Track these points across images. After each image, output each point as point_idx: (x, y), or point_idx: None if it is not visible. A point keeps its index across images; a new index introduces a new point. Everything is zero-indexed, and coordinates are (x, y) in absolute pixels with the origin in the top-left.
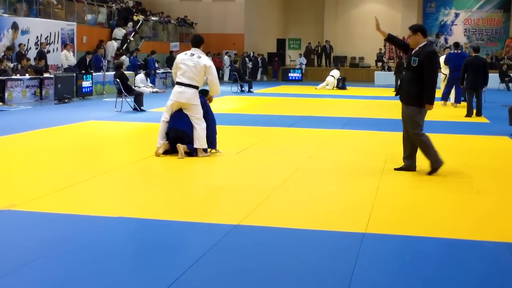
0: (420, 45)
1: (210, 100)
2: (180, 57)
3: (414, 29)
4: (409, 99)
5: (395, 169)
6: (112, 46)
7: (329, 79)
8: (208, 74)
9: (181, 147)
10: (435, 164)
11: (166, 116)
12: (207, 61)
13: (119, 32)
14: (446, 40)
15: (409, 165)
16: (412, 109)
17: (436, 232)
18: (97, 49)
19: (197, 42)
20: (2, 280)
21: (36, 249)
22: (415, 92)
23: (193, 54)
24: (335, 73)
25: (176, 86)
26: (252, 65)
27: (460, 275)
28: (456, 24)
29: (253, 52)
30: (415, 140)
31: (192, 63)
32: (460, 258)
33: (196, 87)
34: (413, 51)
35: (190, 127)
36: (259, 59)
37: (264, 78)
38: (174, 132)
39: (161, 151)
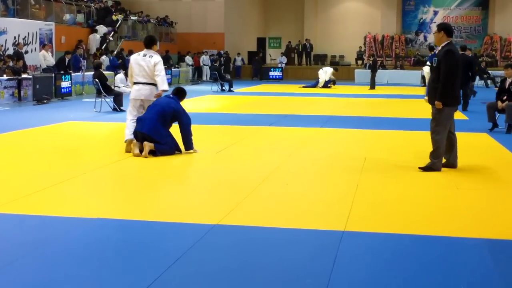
0: (443, 44)
1: (159, 95)
2: (133, 58)
3: (439, 27)
4: (432, 99)
5: (420, 168)
6: (95, 39)
7: (320, 73)
8: (155, 71)
9: (147, 146)
10: (433, 166)
11: (131, 118)
12: (156, 59)
13: (101, 29)
14: (425, 37)
15: (451, 161)
16: (435, 109)
17: (415, 229)
18: (76, 49)
19: (148, 42)
20: None
21: (13, 252)
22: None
23: (145, 55)
24: (329, 70)
25: (134, 85)
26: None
27: (440, 272)
28: (435, 22)
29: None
30: (431, 135)
31: (144, 63)
32: (440, 255)
33: (152, 84)
34: (437, 52)
35: (154, 131)
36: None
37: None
38: (140, 134)
39: (137, 151)
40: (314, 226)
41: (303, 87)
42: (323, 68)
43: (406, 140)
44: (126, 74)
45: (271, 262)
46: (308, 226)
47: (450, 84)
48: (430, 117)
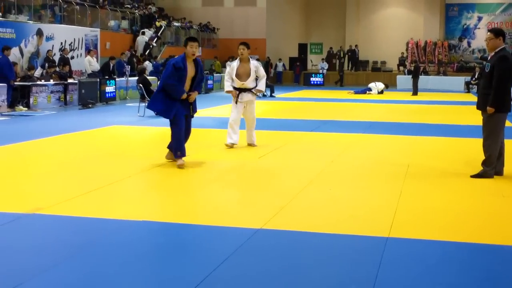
0: (496, 50)
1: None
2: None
3: (496, 32)
4: (483, 106)
5: (472, 176)
6: (143, 41)
7: (372, 85)
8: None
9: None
10: (485, 174)
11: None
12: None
13: (147, 32)
14: (469, 43)
15: (498, 169)
16: (486, 115)
17: (460, 236)
18: (121, 55)
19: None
20: (28, 283)
21: (61, 252)
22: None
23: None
24: (380, 85)
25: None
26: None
27: (484, 280)
28: (479, 28)
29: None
30: (483, 143)
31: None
32: (484, 263)
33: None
34: (489, 57)
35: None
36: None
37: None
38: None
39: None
40: (358, 232)
41: (354, 93)
42: (376, 83)
43: (449, 146)
44: None
45: (315, 267)
46: (352, 231)
47: (503, 89)
48: (475, 124)
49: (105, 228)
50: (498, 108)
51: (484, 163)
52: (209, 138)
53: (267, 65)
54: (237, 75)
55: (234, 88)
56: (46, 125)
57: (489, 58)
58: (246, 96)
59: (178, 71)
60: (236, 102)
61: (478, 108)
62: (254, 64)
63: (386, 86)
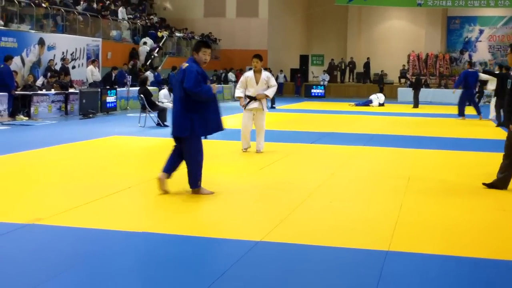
0: None
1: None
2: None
3: None
4: (509, 123)
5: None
6: (144, 51)
7: (373, 97)
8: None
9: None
10: (498, 184)
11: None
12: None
13: (149, 41)
14: (470, 56)
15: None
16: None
17: (460, 251)
18: (123, 65)
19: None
20: None
21: (61, 263)
22: None
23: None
24: (381, 97)
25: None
26: None
27: None
28: (480, 41)
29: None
30: (508, 160)
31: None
32: (484, 277)
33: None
34: (511, 73)
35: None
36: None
37: None
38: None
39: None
40: (358, 245)
41: (355, 105)
42: (377, 94)
43: (450, 159)
44: (170, 90)
45: (314, 280)
46: (352, 244)
47: None
48: (476, 137)
49: (105, 239)
50: None
51: (499, 173)
52: (210, 149)
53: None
54: (251, 86)
55: (248, 96)
56: (47, 134)
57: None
58: (254, 104)
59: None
60: (244, 107)
61: (506, 126)
62: (266, 75)
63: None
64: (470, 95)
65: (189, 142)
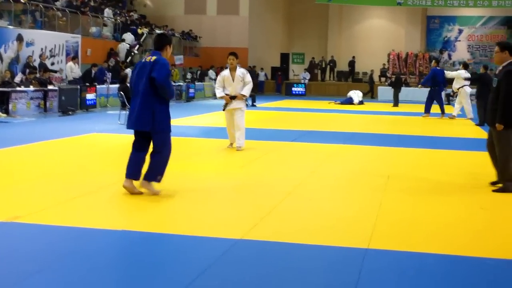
0: (504, 64)
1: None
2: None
3: (502, 46)
4: (492, 122)
5: (493, 191)
6: (124, 48)
7: (352, 94)
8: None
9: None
10: (506, 189)
11: None
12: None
13: (128, 37)
14: (449, 56)
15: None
16: (497, 132)
17: (438, 248)
18: (103, 63)
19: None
20: None
21: (39, 261)
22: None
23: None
24: (359, 93)
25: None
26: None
27: None
28: (459, 40)
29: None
30: (498, 159)
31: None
32: (463, 275)
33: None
34: (497, 71)
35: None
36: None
37: None
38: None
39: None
40: (337, 243)
41: (339, 103)
42: (355, 91)
43: (429, 158)
44: None
45: (294, 278)
46: (331, 242)
47: (510, 104)
48: (455, 136)
49: (83, 237)
50: (507, 124)
51: (503, 179)
52: (190, 147)
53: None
54: (228, 84)
55: (227, 95)
56: (25, 132)
57: (497, 72)
58: (234, 103)
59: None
60: (223, 109)
61: (488, 124)
62: (241, 71)
63: (364, 93)
64: (438, 92)
65: (160, 136)
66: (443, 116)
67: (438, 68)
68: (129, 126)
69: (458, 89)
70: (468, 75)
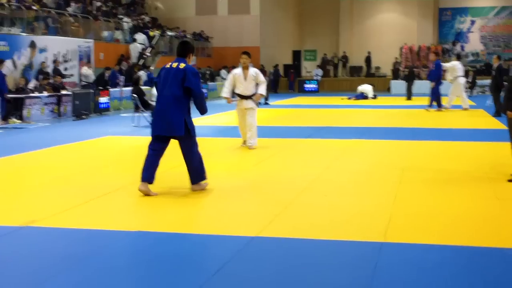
0: None
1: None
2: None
3: None
4: (506, 109)
5: (509, 180)
6: (136, 48)
7: (363, 89)
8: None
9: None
10: None
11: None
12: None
13: (139, 36)
14: (462, 47)
15: None
16: (509, 120)
17: (455, 240)
18: (117, 65)
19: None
20: None
21: (56, 264)
22: None
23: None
24: (369, 87)
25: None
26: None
27: (481, 283)
28: (472, 32)
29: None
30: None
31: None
32: (480, 266)
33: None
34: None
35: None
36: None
37: None
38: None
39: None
40: (353, 237)
41: (354, 99)
42: (364, 85)
43: (444, 150)
44: None
45: (310, 274)
46: (347, 237)
47: None
48: (469, 127)
49: (101, 239)
50: None
51: None
52: (204, 146)
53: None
54: (240, 83)
55: (238, 95)
56: (40, 137)
57: None
58: (245, 103)
59: None
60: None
61: (504, 113)
62: (254, 71)
63: (373, 85)
64: (440, 85)
65: (189, 140)
66: (430, 108)
67: (439, 60)
68: (158, 132)
69: (451, 80)
70: (461, 66)
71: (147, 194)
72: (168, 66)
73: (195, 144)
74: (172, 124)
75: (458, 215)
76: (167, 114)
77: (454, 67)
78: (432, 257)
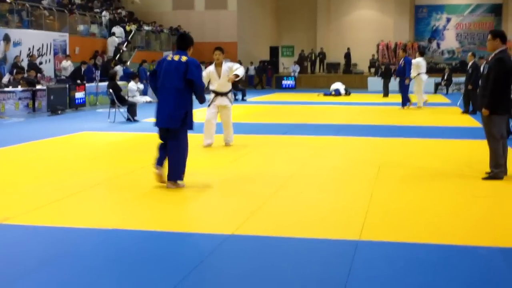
0: (496, 51)
1: None
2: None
3: (494, 34)
4: (481, 107)
5: (483, 178)
6: (113, 42)
7: (336, 87)
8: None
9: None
10: (495, 175)
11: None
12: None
13: (117, 30)
14: (438, 45)
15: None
16: (484, 117)
17: (429, 238)
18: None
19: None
20: None
21: (29, 262)
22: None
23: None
24: (341, 85)
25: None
26: None
27: (454, 281)
28: (448, 29)
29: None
30: (488, 145)
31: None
32: (454, 264)
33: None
34: (490, 59)
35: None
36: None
37: None
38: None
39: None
40: (329, 235)
41: (325, 95)
42: (336, 83)
43: (420, 148)
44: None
45: (286, 272)
46: (322, 235)
47: (499, 92)
48: (444, 125)
49: (74, 237)
50: (494, 110)
51: (491, 165)
52: None
53: None
54: (214, 80)
55: (213, 91)
56: (14, 132)
57: (489, 59)
58: (220, 100)
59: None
60: (209, 105)
61: (478, 110)
62: (228, 65)
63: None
64: (404, 82)
65: (179, 134)
66: (404, 107)
67: (408, 57)
68: (160, 124)
69: (414, 76)
70: (425, 63)
71: (159, 178)
72: (169, 58)
73: (184, 141)
74: (171, 116)
75: (433, 212)
76: (168, 106)
77: (418, 64)
78: (407, 255)
